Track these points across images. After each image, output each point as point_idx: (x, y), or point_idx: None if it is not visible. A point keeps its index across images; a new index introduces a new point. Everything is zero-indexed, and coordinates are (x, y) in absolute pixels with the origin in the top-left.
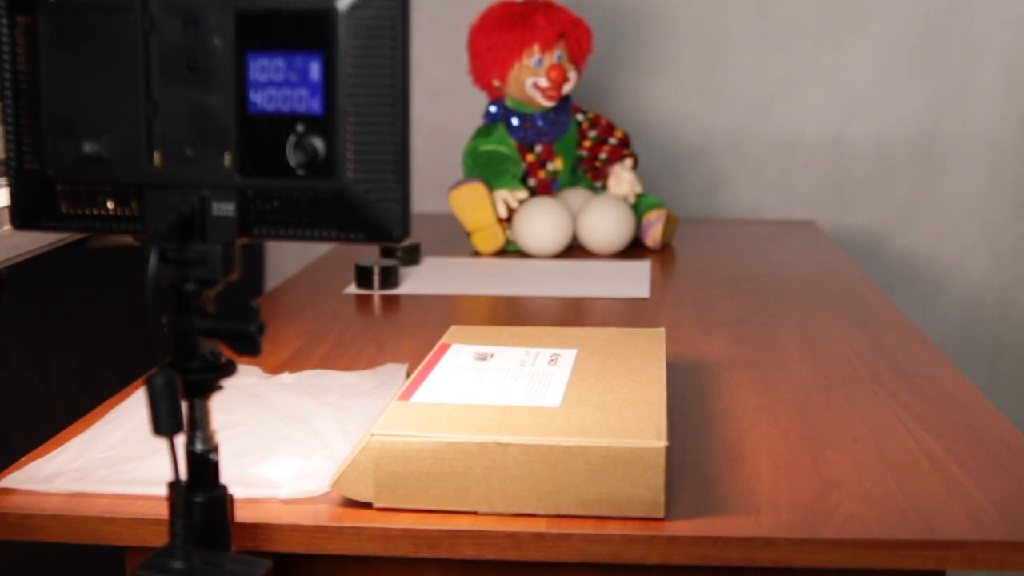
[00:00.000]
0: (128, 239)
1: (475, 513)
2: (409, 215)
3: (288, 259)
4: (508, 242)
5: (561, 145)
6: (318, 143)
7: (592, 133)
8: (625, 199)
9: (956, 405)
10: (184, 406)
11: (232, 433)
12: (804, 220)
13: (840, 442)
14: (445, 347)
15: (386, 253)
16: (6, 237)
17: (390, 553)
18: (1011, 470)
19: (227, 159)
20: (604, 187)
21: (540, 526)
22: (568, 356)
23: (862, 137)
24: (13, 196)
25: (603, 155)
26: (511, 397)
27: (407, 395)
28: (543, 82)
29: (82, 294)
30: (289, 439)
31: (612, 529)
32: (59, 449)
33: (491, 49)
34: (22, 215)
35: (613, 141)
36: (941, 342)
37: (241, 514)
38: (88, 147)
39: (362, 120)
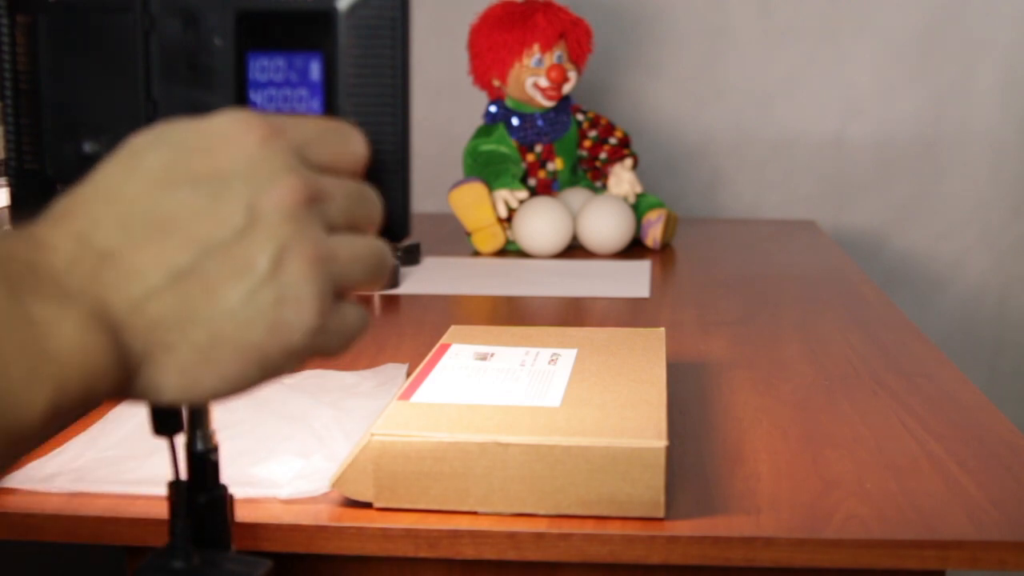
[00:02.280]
0: None
1: (475, 513)
2: (409, 215)
3: None
4: (508, 242)
5: (561, 145)
6: None
7: (592, 133)
8: (625, 199)
9: (956, 405)
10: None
11: (232, 433)
12: (804, 220)
13: (840, 442)
14: (445, 347)
15: None
16: None
17: (390, 553)
18: (1011, 470)
19: None
20: (604, 187)
21: (540, 526)
22: (568, 356)
23: (862, 137)
24: (12, 196)
25: (603, 155)
26: (511, 397)
27: (407, 395)
28: (543, 82)
29: None
30: (289, 439)
31: (612, 529)
32: (59, 449)
33: (491, 49)
34: (21, 215)
35: (613, 141)
36: (941, 342)
37: (241, 514)
38: (88, 147)
39: (362, 120)
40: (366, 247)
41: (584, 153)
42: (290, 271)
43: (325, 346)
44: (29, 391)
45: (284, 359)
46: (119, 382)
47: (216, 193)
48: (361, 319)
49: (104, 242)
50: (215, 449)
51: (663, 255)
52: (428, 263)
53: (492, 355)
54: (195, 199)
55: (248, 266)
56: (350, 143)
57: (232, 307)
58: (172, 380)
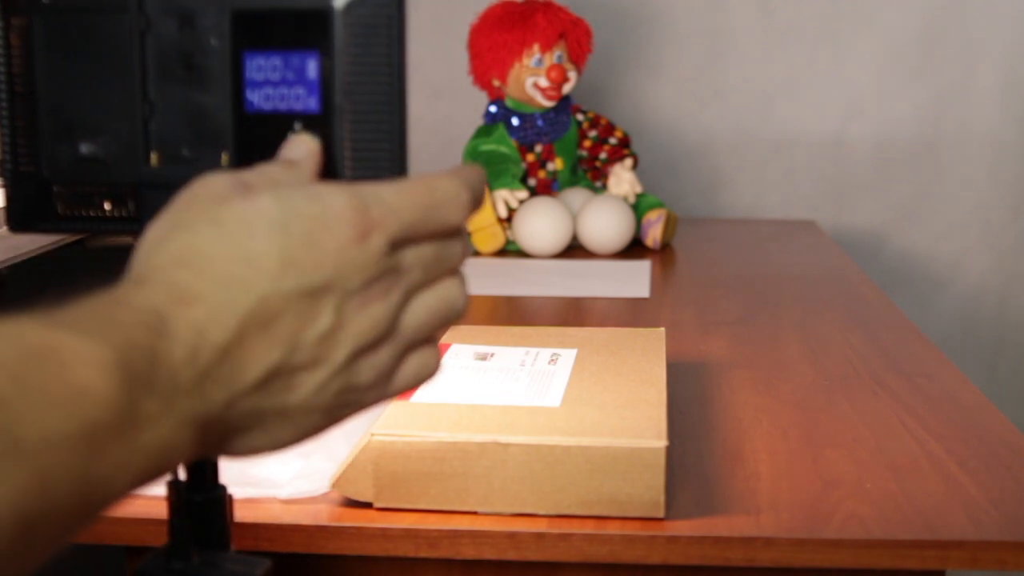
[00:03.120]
0: (127, 239)
1: (475, 513)
2: None
3: None
4: (508, 242)
5: (561, 145)
6: None
7: (592, 133)
8: (625, 199)
9: (956, 405)
10: None
11: None
12: (804, 220)
13: (840, 442)
14: (445, 347)
15: None
16: (5, 237)
17: (390, 553)
18: (1011, 470)
19: (224, 158)
20: (604, 187)
21: (540, 526)
22: (568, 356)
23: (862, 137)
24: (9, 198)
25: (603, 155)
26: (511, 397)
27: (407, 395)
28: (543, 82)
29: (82, 294)
30: None
31: (612, 529)
32: None
33: (491, 49)
34: (18, 217)
35: (613, 141)
36: (941, 342)
37: (241, 514)
38: (84, 148)
39: (360, 118)
40: (434, 305)
41: (584, 153)
42: (360, 363)
43: (381, 399)
44: (116, 478)
45: (335, 426)
46: (190, 460)
47: (314, 294)
48: (422, 370)
49: (219, 336)
50: None
51: (663, 255)
52: None
53: (492, 355)
54: (297, 297)
55: (326, 361)
56: (448, 219)
57: (305, 397)
58: (235, 451)
